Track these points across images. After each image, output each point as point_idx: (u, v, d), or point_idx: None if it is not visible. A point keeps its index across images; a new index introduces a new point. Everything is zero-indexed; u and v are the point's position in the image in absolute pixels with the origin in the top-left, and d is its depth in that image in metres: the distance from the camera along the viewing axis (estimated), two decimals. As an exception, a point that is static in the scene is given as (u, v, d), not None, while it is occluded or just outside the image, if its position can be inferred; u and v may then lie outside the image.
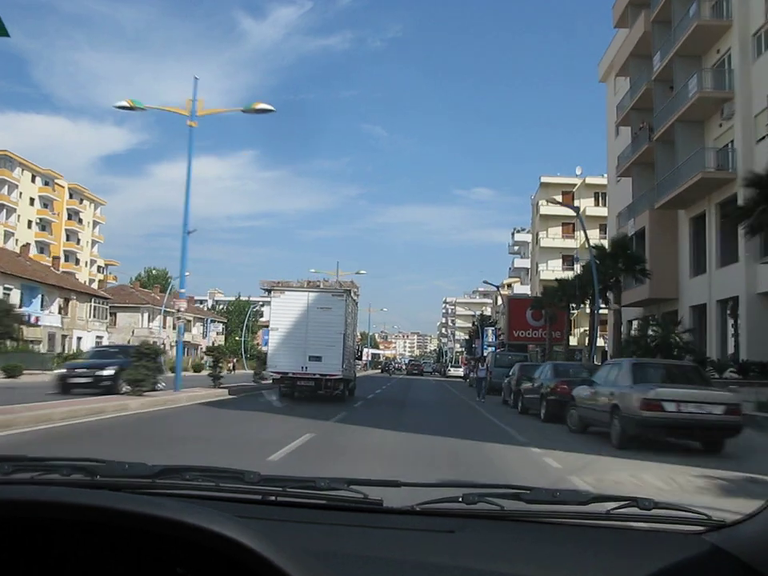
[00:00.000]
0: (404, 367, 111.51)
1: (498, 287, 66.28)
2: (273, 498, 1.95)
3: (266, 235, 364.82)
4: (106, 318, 77.37)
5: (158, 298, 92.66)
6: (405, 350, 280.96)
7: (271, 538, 1.12)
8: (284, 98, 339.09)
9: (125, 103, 24.61)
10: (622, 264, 34.93)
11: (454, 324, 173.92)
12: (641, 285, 40.35)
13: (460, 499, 1.88)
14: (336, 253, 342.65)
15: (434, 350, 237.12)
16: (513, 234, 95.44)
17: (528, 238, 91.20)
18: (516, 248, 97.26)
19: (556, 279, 51.63)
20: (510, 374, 30.37)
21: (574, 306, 48.21)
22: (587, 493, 2.06)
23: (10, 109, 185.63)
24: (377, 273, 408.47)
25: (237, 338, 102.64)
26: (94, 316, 73.37)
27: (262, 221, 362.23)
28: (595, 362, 37.78)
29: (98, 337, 72.54)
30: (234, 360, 74.42)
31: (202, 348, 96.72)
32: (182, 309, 25.40)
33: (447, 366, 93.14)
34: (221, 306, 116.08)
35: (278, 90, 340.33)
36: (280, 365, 25.82)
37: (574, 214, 79.15)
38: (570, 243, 76.47)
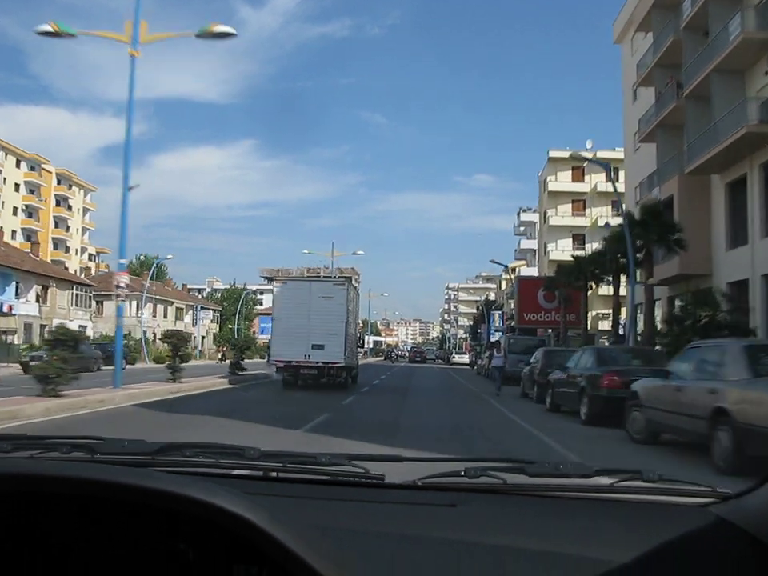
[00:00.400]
0: (407, 354, 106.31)
1: (506, 267, 61.54)
2: (274, 473, 1.92)
3: (266, 224, 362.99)
4: (90, 307, 72.72)
5: (149, 285, 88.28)
6: (407, 338, 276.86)
7: (274, 513, 1.12)
8: (283, 86, 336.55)
9: (48, 28, 21.05)
10: (655, 233, 30.04)
11: (456, 310, 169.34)
12: (668, 261, 35.60)
13: (462, 473, 1.86)
14: (337, 241, 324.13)
15: (437, 336, 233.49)
16: (518, 214, 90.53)
17: (535, 217, 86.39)
18: (522, 228, 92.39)
19: (572, 256, 46.86)
20: (532, 361, 25.58)
21: (593, 284, 43.41)
22: (591, 465, 1.97)
23: (9, 101, 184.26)
24: (378, 260, 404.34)
25: (231, 326, 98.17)
26: (76, 304, 68.84)
27: (263, 210, 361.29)
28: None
29: (81, 326, 67.81)
30: (225, 348, 69.66)
31: (195, 337, 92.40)
32: (123, 284, 20.51)
33: (451, 353, 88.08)
34: (218, 294, 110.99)
35: (277, 78, 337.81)
36: (283, 353, 26.06)
37: (585, 191, 74.82)
38: (580, 221, 71.74)
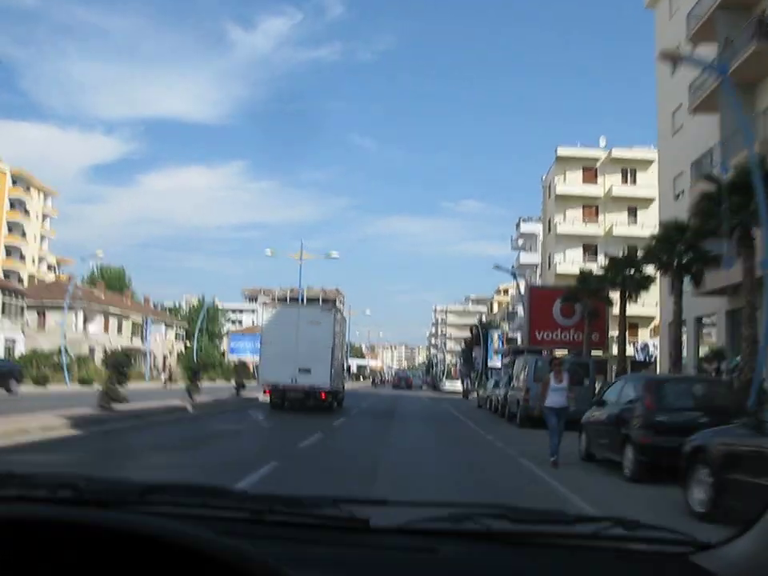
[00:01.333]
0: (394, 380, 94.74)
1: (513, 274, 50.91)
2: (261, 516, 1.86)
3: (255, 245, 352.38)
4: (22, 317, 61.65)
5: (103, 297, 77.43)
6: (393, 362, 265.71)
7: (263, 558, 1.13)
8: (274, 109, 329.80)
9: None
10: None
11: (444, 334, 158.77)
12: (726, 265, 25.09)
13: (446, 518, 1.87)
14: (324, 264, 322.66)
15: (423, 362, 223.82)
16: (517, 225, 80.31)
17: (536, 228, 76.19)
18: (521, 242, 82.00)
19: (608, 256, 36.36)
20: (612, 398, 14.91)
21: (627, 294, 32.88)
22: (573, 513, 1.99)
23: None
24: (364, 284, 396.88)
25: (205, 344, 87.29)
26: (2, 313, 57.72)
27: (252, 231, 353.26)
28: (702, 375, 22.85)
29: (7, 339, 57.06)
30: (170, 369, 58.59)
31: (150, 356, 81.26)
32: None
33: (441, 380, 76.38)
34: (186, 311, 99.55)
35: (268, 100, 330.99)
36: (271, 377, 26.38)
37: (598, 195, 64.38)
38: (592, 229, 61.54)
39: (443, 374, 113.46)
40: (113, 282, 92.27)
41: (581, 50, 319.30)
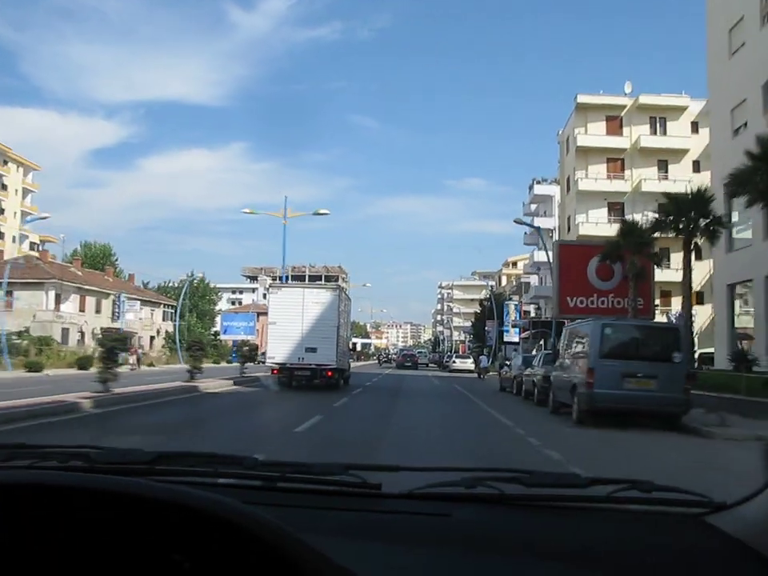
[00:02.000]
0: (395, 358, 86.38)
1: (537, 228, 43.31)
2: (272, 483, 1.88)
3: (257, 227, 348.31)
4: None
5: (80, 274, 70.23)
6: (398, 340, 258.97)
7: (277, 524, 1.09)
8: (274, 90, 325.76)
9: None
10: None
11: (451, 310, 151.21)
12: None
13: (459, 483, 1.83)
14: (327, 244, 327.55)
15: (429, 339, 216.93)
16: (530, 187, 72.57)
17: (551, 190, 68.63)
18: (533, 207, 74.36)
19: (665, 194, 28.72)
20: None
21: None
22: (587, 476, 1.91)
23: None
24: (368, 264, 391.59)
25: (192, 323, 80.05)
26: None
27: (256, 214, 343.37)
28: None
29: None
30: (139, 350, 51.21)
31: (139, 336, 74.07)
32: None
33: (450, 357, 68.27)
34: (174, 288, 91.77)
35: (268, 81, 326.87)
36: (279, 356, 26.51)
37: (624, 147, 56.85)
38: (618, 186, 54.05)
39: (451, 350, 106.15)
40: (97, 259, 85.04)
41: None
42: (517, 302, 54.01)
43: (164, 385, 22.93)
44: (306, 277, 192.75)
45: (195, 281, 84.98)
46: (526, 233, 77.49)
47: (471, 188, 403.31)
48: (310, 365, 26.29)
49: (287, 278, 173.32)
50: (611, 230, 53.98)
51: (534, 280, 79.03)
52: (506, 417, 17.61)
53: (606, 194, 53.74)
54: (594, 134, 54.56)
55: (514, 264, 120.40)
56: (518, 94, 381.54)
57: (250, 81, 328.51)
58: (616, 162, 54.74)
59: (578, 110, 55.44)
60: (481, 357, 44.73)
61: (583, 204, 54.10)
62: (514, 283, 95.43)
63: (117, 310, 56.32)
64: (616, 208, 53.84)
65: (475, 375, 50.35)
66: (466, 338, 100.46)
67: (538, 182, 70.63)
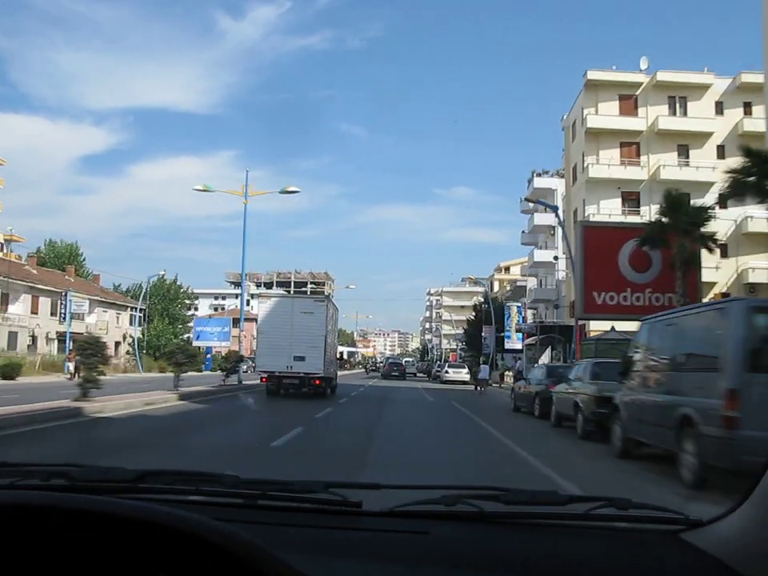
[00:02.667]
0: (381, 367, 78.42)
1: (554, 210, 36.29)
2: (253, 501, 1.87)
3: (246, 235, 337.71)
4: None
5: (34, 272, 62.94)
6: (385, 349, 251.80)
7: (258, 544, 1.10)
8: (263, 98, 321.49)
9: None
10: None
11: (440, 317, 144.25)
12: None
13: (438, 501, 1.82)
14: (317, 252, 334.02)
15: (417, 348, 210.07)
16: (529, 181, 65.69)
17: (553, 183, 61.90)
18: (531, 206, 67.49)
19: (744, 149, 21.52)
20: None
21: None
22: (565, 494, 1.93)
23: None
24: (356, 272, 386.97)
25: (162, 327, 72.70)
26: None
27: (242, 221, 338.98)
28: None
29: None
30: (73, 356, 43.64)
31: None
32: None
33: (443, 367, 59.82)
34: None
35: (258, 89, 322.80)
36: (267, 364, 26.84)
37: (639, 130, 50.22)
38: (634, 173, 47.10)
39: (440, 359, 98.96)
40: (62, 259, 77.57)
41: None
42: (520, 304, 47.04)
43: (36, 406, 15.64)
44: (292, 283, 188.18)
45: (167, 282, 77.72)
46: (524, 231, 70.65)
47: (460, 197, 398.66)
48: (299, 373, 26.57)
49: (272, 284, 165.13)
50: (625, 221, 47.29)
51: (531, 283, 72.22)
52: (546, 462, 10.59)
53: (619, 182, 46.82)
54: (606, 115, 47.69)
55: (507, 269, 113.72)
56: (509, 104, 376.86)
57: (239, 89, 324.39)
58: (631, 146, 47.86)
59: (587, 88, 48.59)
60: (481, 366, 37.73)
61: (594, 194, 47.18)
62: (508, 288, 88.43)
63: (63, 311, 48.79)
64: (631, 198, 46.99)
65: (471, 387, 43.37)
66: (457, 345, 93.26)
67: (538, 175, 63.81)
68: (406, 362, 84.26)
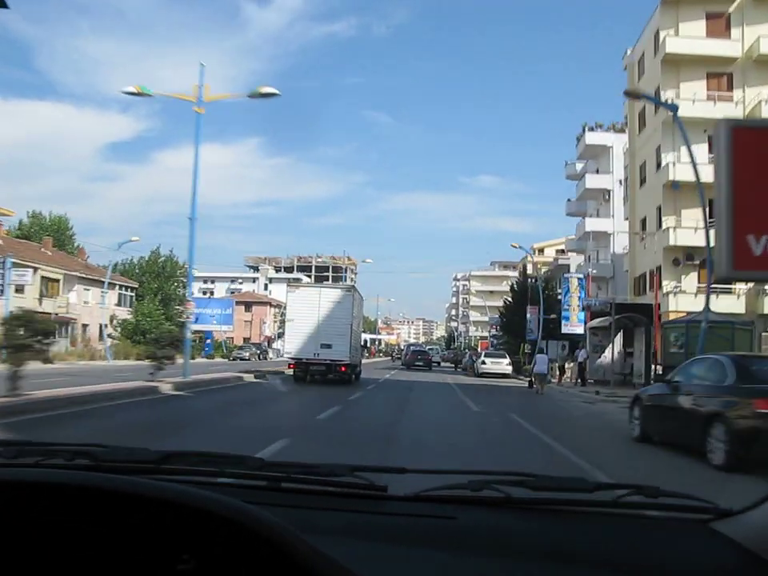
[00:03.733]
0: (403, 356, 66.52)
1: (671, 108, 25.71)
2: (277, 483, 1.82)
3: (271, 223, 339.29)
4: None
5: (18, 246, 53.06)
6: (409, 337, 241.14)
7: (282, 524, 1.09)
8: (289, 85, 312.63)
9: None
10: None
11: (467, 303, 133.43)
12: None
13: (465, 486, 1.78)
14: (341, 240, 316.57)
15: (442, 336, 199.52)
16: (579, 139, 54.84)
17: (608, 139, 51.21)
18: (578, 167, 56.60)
19: None
20: None
21: None
22: (593, 481, 1.88)
23: (15, 96, 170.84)
24: (381, 259, 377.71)
25: (152, 307, 62.78)
26: None
27: (268, 208, 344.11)
28: None
29: None
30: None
31: (83, 324, 57.20)
32: None
33: (479, 356, 46.46)
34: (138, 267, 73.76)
35: (283, 76, 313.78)
36: (295, 351, 27.07)
37: (731, 56, 38.54)
38: (725, 110, 36.14)
39: (468, 348, 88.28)
40: (48, 233, 67.56)
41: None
42: (582, 275, 36.13)
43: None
44: (313, 267, 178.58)
45: (161, 258, 67.74)
46: (569, 200, 59.84)
47: (485, 185, 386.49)
48: (325, 360, 26.72)
49: (293, 269, 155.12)
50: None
51: (576, 261, 61.50)
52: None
53: (707, 123, 35.92)
54: (690, 37, 36.81)
55: (541, 251, 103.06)
56: (535, 95, 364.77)
57: (264, 76, 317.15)
58: (720, 77, 36.98)
59: (664, 4, 37.69)
60: (537, 357, 27.11)
61: (672, 138, 36.39)
62: (544, 271, 77.36)
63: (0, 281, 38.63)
64: (722, 143, 36.12)
65: (515, 383, 32.89)
66: (489, 331, 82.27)
67: (591, 129, 52.89)
68: (429, 349, 73.07)
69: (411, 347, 66.25)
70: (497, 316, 71.29)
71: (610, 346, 31.10)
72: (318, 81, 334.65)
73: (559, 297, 51.94)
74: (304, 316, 26.80)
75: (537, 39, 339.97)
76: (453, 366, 65.06)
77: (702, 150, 36.20)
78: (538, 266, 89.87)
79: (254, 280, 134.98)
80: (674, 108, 22.29)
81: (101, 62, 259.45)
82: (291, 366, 27.58)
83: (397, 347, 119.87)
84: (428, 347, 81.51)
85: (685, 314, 32.33)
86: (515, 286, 59.45)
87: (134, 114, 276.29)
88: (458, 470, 2.03)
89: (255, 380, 27.65)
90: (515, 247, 49.26)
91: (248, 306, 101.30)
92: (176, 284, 68.65)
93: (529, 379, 29.08)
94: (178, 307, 70.40)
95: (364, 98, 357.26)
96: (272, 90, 21.97)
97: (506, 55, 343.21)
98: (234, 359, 62.09)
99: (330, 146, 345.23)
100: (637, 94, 25.30)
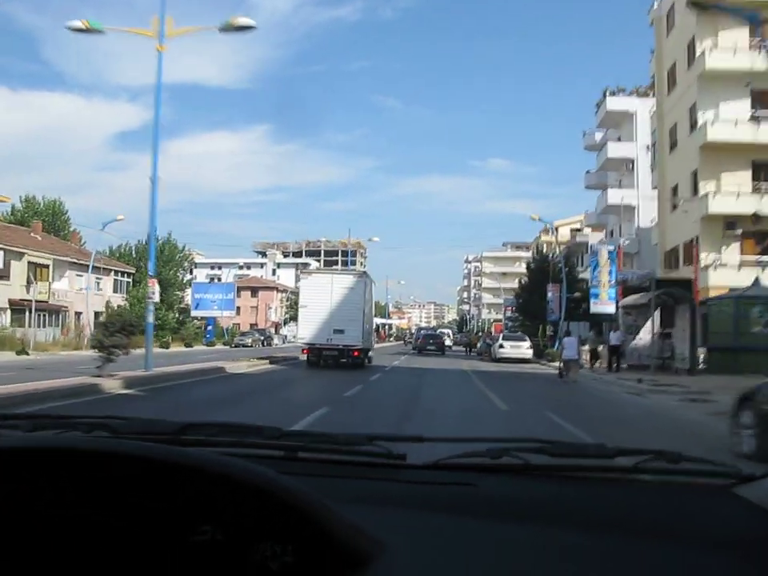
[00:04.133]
0: (414, 340, 62.43)
1: None
2: (294, 453, 1.81)
3: (280, 209, 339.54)
4: None
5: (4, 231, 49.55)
6: (420, 321, 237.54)
7: (305, 491, 1.08)
8: (295, 71, 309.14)
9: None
10: None
11: (479, 285, 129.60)
12: None
13: (484, 453, 1.75)
14: (350, 225, 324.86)
15: (454, 319, 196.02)
16: (599, 105, 50.81)
17: (631, 104, 47.18)
18: (598, 136, 52.50)
19: None
20: None
21: None
22: (613, 446, 1.79)
23: (23, 87, 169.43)
24: (391, 244, 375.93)
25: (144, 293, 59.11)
26: None
27: (277, 195, 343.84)
28: None
29: None
30: None
31: (76, 312, 53.74)
32: None
33: (496, 340, 41.66)
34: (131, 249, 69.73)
35: (289, 62, 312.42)
36: (309, 337, 27.44)
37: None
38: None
39: (481, 331, 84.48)
40: (42, 218, 64.00)
41: None
42: (613, 247, 32.03)
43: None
44: (322, 252, 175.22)
45: (158, 242, 64.01)
46: (588, 171, 55.83)
47: (496, 168, 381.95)
48: (338, 345, 26.96)
49: (301, 253, 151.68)
50: (759, 132, 32.42)
51: (595, 238, 57.55)
52: None
53: (748, 75, 32.00)
54: (728, -18, 32.75)
55: (556, 230, 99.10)
56: (547, 69, 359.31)
57: (271, 63, 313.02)
58: (765, 24, 33.00)
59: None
60: (566, 340, 23.30)
61: (710, 94, 32.43)
62: (559, 250, 73.15)
63: None
64: (766, 98, 32.22)
65: (537, 368, 29.19)
66: (504, 313, 78.37)
67: (612, 94, 48.81)
68: (440, 331, 69.22)
69: (422, 331, 62.51)
70: (511, 297, 67.73)
71: (646, 325, 27.32)
72: (325, 65, 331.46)
73: (580, 275, 48.38)
74: (317, 302, 27.08)
75: (548, 6, 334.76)
76: (465, 349, 61.28)
77: (742, 106, 32.45)
78: (554, 245, 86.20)
79: (262, 266, 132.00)
80: (755, 18, 18.43)
81: (108, 52, 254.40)
82: (305, 351, 28.04)
83: (408, 331, 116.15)
84: (439, 330, 77.66)
85: (727, 290, 28.61)
86: (531, 264, 55.46)
87: (142, 104, 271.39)
88: (476, 437, 1.98)
89: (247, 370, 25.68)
90: (535, 219, 45.77)
91: (254, 291, 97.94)
92: (175, 269, 65.06)
93: (559, 366, 25.24)
94: (177, 293, 67.24)
95: (372, 82, 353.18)
96: (248, 21, 18.66)
97: (516, 28, 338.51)
98: (235, 346, 58.63)
99: (338, 132, 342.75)
100: (705, 3, 21.21)
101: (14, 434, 1.64)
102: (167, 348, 50.12)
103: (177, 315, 62.93)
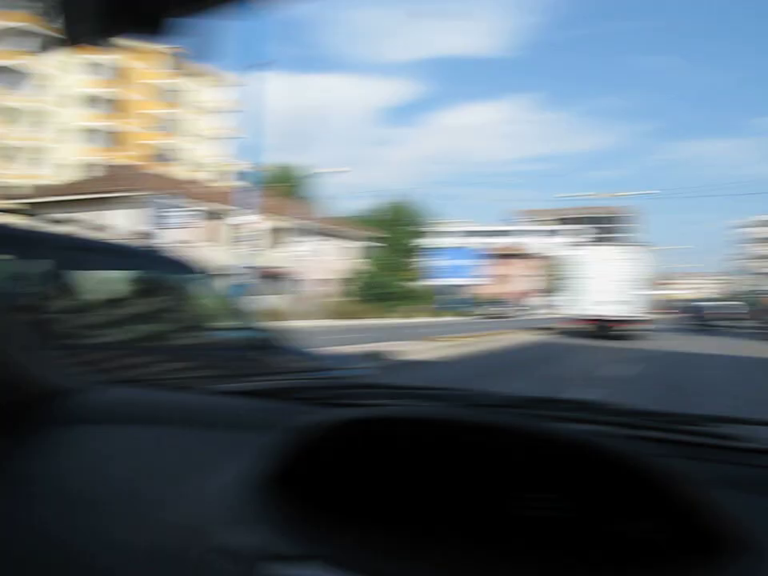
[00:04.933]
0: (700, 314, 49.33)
1: None
2: (640, 431, 1.51)
3: (544, 178, 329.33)
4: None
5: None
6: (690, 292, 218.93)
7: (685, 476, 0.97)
8: (557, 36, 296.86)
9: None
10: None
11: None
12: None
13: None
14: (621, 191, 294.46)
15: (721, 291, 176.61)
16: None
17: None
18: None
19: None
20: None
21: None
22: None
23: (302, 71, 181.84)
24: (664, 211, 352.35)
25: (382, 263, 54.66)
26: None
27: (541, 164, 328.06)
28: None
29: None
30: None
31: (297, 279, 50.06)
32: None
33: None
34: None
35: (548, 27, 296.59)
36: (589, 309, 27.70)
37: None
38: None
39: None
40: (278, 182, 61.51)
41: None
42: None
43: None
44: (587, 219, 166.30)
45: (392, 205, 59.85)
46: None
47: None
48: (617, 317, 27.04)
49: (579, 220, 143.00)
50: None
51: None
52: None
53: None
54: None
55: None
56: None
57: (534, 29, 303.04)
58: None
59: None
60: None
61: None
62: None
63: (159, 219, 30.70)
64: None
65: None
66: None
67: None
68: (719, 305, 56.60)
69: (693, 304, 52.65)
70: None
71: None
72: (587, 30, 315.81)
73: None
74: (590, 274, 27.61)
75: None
76: (733, 325, 47.36)
77: None
78: None
79: (515, 233, 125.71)
80: None
81: (380, 31, 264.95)
82: (576, 321, 28.39)
83: (683, 303, 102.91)
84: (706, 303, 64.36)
85: None
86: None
87: (408, 78, 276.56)
88: None
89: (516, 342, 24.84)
90: None
91: (504, 258, 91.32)
92: (412, 234, 60.25)
93: None
94: (412, 260, 62.28)
95: (640, 43, 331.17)
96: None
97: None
98: (485, 316, 53.48)
99: (606, 96, 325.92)
100: None
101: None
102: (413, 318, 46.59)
103: (418, 284, 58.48)
